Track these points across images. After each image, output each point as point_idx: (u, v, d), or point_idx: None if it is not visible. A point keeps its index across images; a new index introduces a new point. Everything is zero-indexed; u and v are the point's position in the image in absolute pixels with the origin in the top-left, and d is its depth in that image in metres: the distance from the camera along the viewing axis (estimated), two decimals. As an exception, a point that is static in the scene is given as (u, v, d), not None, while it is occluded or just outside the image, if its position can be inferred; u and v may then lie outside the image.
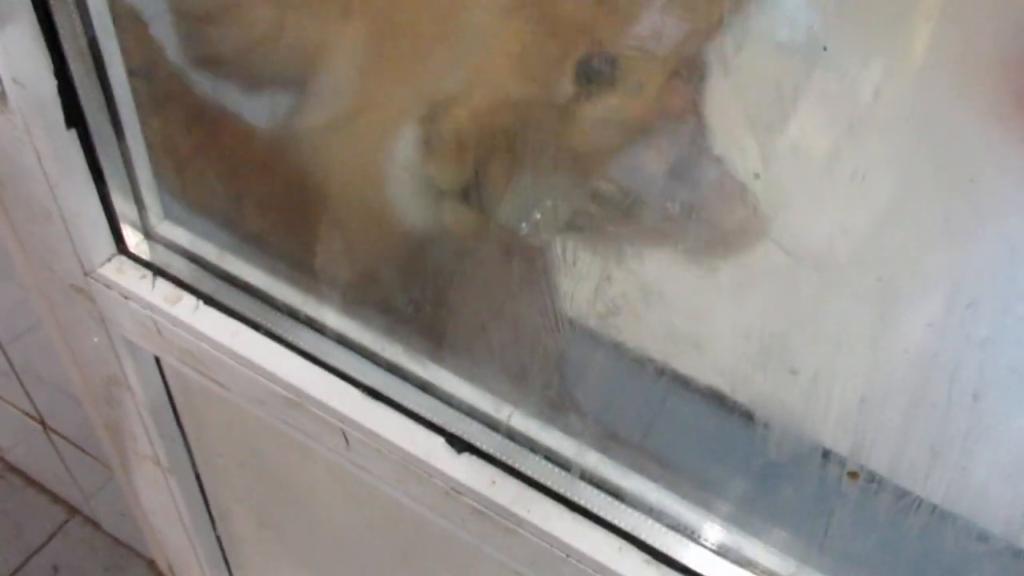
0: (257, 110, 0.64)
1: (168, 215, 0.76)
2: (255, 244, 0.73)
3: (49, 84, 0.62)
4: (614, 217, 0.58)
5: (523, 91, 0.57)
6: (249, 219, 0.72)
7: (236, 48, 0.63)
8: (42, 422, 1.28)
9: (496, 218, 0.60)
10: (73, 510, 1.52)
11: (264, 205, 0.70)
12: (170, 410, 0.89)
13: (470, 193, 0.61)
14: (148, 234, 0.76)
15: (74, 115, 0.64)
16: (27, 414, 1.30)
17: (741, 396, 0.54)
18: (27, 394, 1.25)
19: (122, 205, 0.73)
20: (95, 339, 0.83)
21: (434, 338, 0.69)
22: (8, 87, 0.61)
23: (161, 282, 0.74)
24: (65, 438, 1.26)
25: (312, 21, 0.59)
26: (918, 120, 0.44)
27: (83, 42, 0.62)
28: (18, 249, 0.80)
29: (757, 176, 0.45)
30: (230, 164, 0.71)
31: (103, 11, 0.62)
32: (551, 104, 0.56)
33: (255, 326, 0.71)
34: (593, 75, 0.54)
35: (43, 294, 0.83)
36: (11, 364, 1.20)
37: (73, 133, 0.65)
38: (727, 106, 0.48)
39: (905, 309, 0.48)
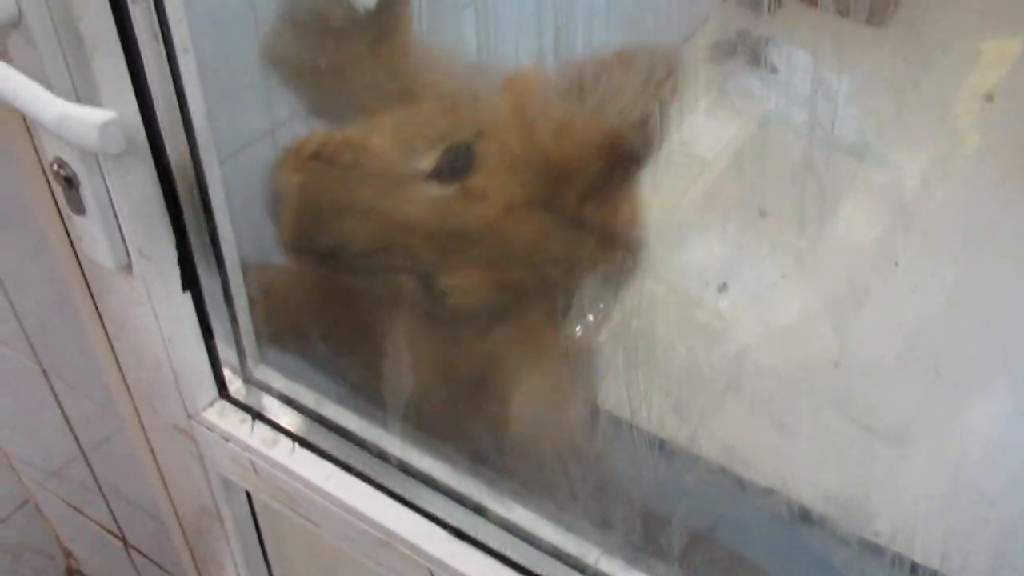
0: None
1: (264, 360, 0.81)
2: (349, 389, 0.78)
3: (170, 254, 0.68)
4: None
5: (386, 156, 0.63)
6: (346, 369, 0.77)
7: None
8: (123, 538, 1.33)
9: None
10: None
11: (362, 358, 0.75)
12: (257, 542, 0.93)
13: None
14: (247, 379, 0.81)
15: (190, 279, 0.71)
16: (107, 530, 1.34)
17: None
18: (109, 509, 1.30)
19: (225, 353, 0.79)
20: (192, 474, 0.87)
21: (519, 480, 0.72)
22: (134, 258, 0.68)
23: (259, 425, 0.78)
24: (145, 556, 1.30)
25: None
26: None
27: (202, 217, 0.69)
28: (121, 390, 0.86)
29: (836, 365, 0.48)
30: (326, 315, 0.76)
31: (219, 194, 0.69)
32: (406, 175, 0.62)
33: (347, 468, 0.75)
34: (451, 161, 0.61)
35: (143, 430, 0.89)
36: (95, 476, 1.25)
37: (188, 295, 0.71)
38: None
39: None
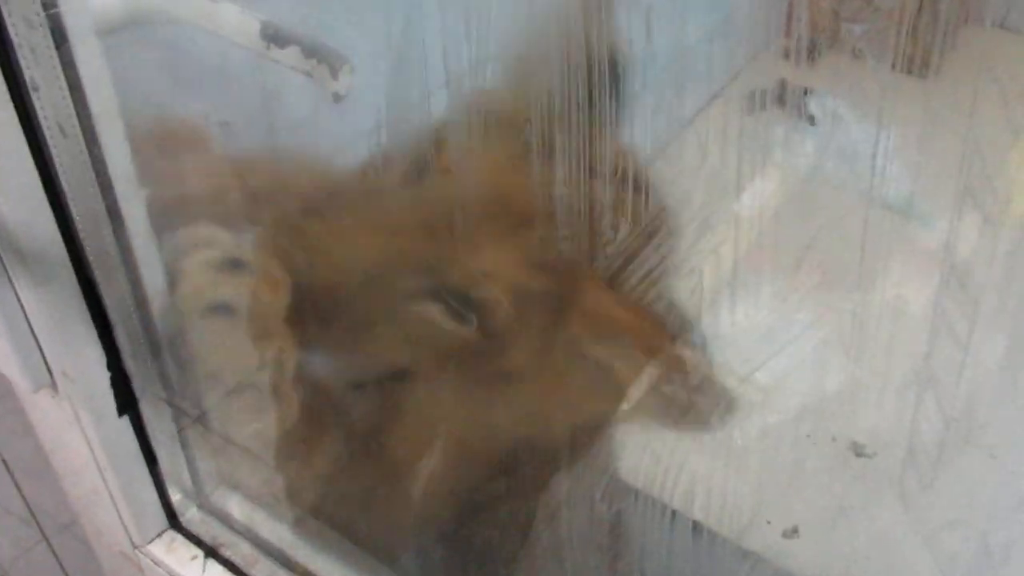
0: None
1: (224, 482, 0.70)
2: (317, 522, 0.66)
3: (101, 376, 0.57)
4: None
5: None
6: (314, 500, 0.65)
7: None
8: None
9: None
10: None
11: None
12: None
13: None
14: (202, 504, 0.69)
15: (127, 402, 0.59)
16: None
17: None
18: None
19: (176, 476, 0.67)
20: (143, 604, 0.75)
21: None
22: (58, 378, 0.57)
23: (212, 564, 0.66)
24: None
25: None
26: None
27: (138, 328, 0.57)
28: (72, 509, 0.75)
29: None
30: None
31: (158, 294, 0.57)
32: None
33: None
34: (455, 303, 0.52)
35: (98, 552, 0.77)
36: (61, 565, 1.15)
37: (125, 419, 0.60)
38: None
39: None
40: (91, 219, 0.50)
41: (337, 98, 0.49)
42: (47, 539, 1.11)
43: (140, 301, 0.55)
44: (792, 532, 0.54)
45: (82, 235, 0.51)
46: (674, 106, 0.58)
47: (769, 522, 0.54)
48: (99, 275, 0.53)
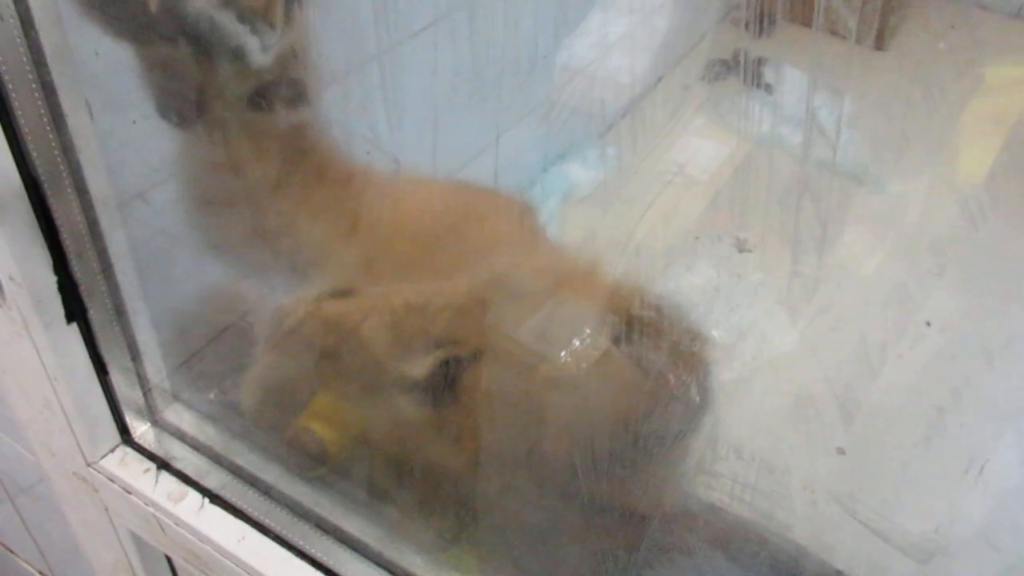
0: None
1: (178, 397, 0.71)
2: (266, 431, 0.68)
3: (48, 281, 0.58)
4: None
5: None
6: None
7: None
8: (54, 581, 1.22)
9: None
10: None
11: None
12: (177, 602, 0.82)
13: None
14: (155, 421, 0.70)
15: (75, 309, 0.60)
16: (40, 572, 1.23)
17: None
18: (40, 551, 1.19)
19: (128, 392, 0.68)
20: (100, 526, 0.77)
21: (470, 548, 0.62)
22: (4, 284, 0.58)
23: (165, 476, 0.68)
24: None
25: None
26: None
27: (85, 234, 0.58)
28: (24, 430, 0.76)
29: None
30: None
31: (108, 198, 0.59)
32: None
33: (263, 529, 0.64)
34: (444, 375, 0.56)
35: (51, 474, 0.78)
36: (24, 521, 1.15)
37: (74, 327, 0.61)
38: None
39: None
40: (33, 115, 0.51)
41: None
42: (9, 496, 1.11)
43: (86, 205, 0.57)
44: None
45: (26, 135, 0.52)
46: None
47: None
48: (44, 176, 0.54)
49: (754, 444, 0.42)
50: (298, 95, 0.60)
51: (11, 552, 1.25)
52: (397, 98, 0.74)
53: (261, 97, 0.58)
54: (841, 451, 0.39)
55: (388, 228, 0.63)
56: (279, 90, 0.59)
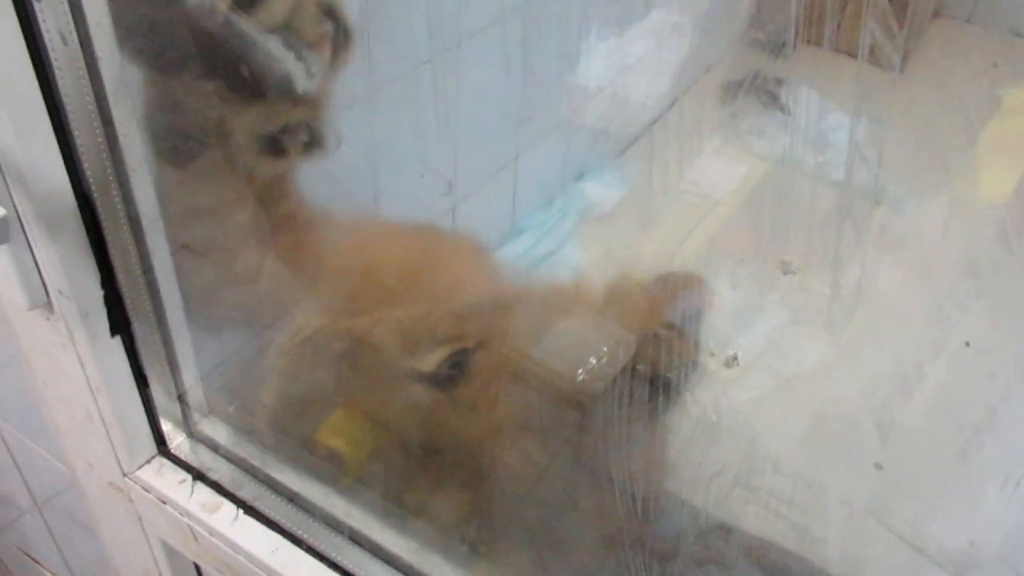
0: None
1: (214, 411, 0.73)
2: (300, 445, 0.69)
3: (95, 295, 0.60)
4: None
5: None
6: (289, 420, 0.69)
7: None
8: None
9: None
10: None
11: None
12: (206, 612, 0.83)
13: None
14: (191, 433, 0.72)
15: (119, 323, 0.62)
16: (64, 581, 1.25)
17: None
18: (64, 561, 1.20)
19: (165, 404, 0.70)
20: (132, 536, 0.78)
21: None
22: (53, 297, 0.59)
23: (200, 487, 0.69)
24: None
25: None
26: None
27: (132, 251, 0.60)
28: (60, 440, 0.78)
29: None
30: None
31: (154, 218, 0.61)
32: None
33: (297, 541, 0.66)
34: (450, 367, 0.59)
35: (81, 485, 0.80)
36: (50, 532, 1.16)
37: (117, 340, 0.63)
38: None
39: None
40: (90, 138, 0.53)
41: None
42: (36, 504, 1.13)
43: (134, 220, 0.59)
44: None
45: (80, 154, 0.54)
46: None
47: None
48: (96, 193, 0.56)
49: (792, 459, 0.43)
50: (314, 141, 0.62)
51: (35, 562, 1.27)
52: (448, 117, 0.76)
53: (280, 138, 0.60)
54: (879, 467, 0.40)
55: (353, 274, 0.67)
56: (298, 134, 0.61)
